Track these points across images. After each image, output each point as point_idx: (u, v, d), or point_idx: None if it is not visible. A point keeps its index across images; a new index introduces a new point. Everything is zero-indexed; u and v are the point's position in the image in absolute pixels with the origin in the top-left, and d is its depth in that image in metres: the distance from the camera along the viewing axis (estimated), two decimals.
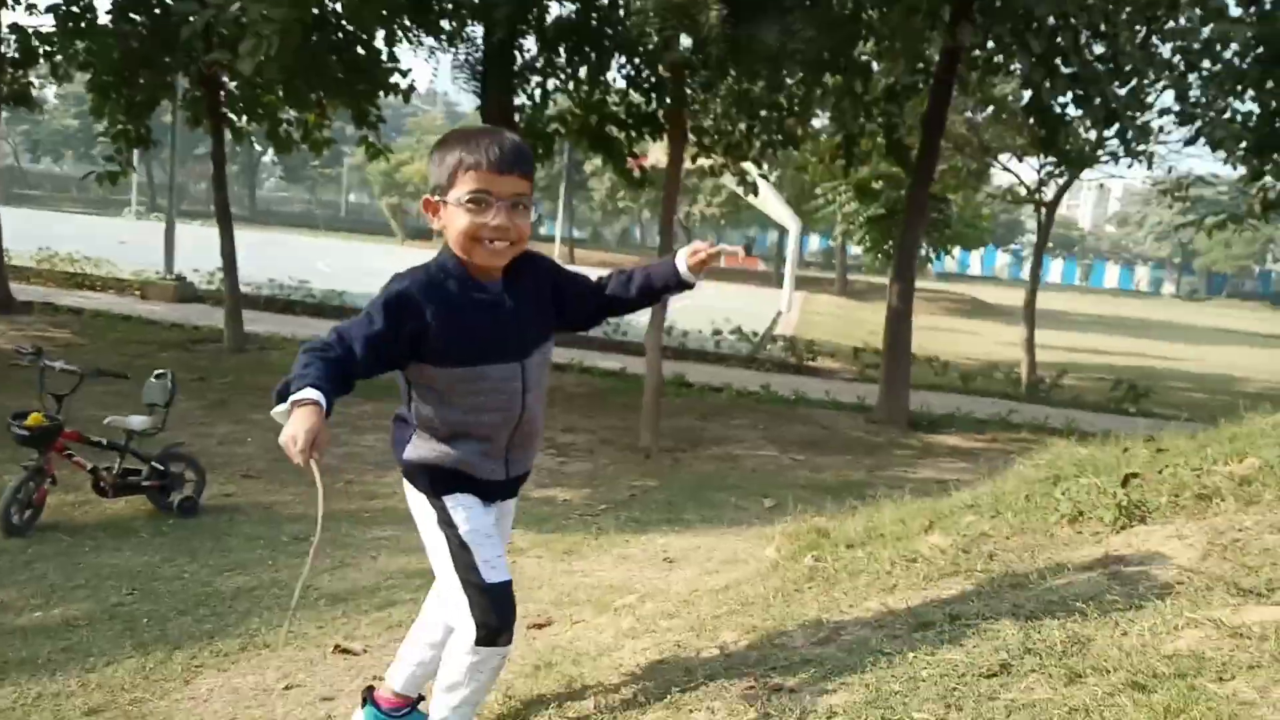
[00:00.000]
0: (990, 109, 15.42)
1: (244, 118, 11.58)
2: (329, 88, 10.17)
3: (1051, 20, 7.27)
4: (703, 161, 10.22)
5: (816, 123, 12.17)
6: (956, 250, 27.19)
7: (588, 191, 50.14)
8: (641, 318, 21.24)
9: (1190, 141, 9.69)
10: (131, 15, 9.78)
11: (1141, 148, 12.16)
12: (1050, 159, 15.19)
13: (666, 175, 8.33)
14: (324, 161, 14.50)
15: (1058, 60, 8.16)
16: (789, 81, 7.78)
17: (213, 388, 8.95)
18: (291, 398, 1.70)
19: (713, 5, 5.13)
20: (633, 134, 11.81)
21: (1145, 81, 10.04)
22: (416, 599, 4.20)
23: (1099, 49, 8.44)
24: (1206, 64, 9.72)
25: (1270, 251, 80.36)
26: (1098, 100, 8.31)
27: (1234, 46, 9.15)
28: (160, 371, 5.34)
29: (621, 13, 10.17)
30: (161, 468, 5.30)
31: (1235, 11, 9.47)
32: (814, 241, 58.61)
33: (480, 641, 1.98)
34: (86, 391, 5.35)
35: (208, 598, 4.26)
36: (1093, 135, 13.91)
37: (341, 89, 10.17)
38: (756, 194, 12.32)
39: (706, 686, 2.00)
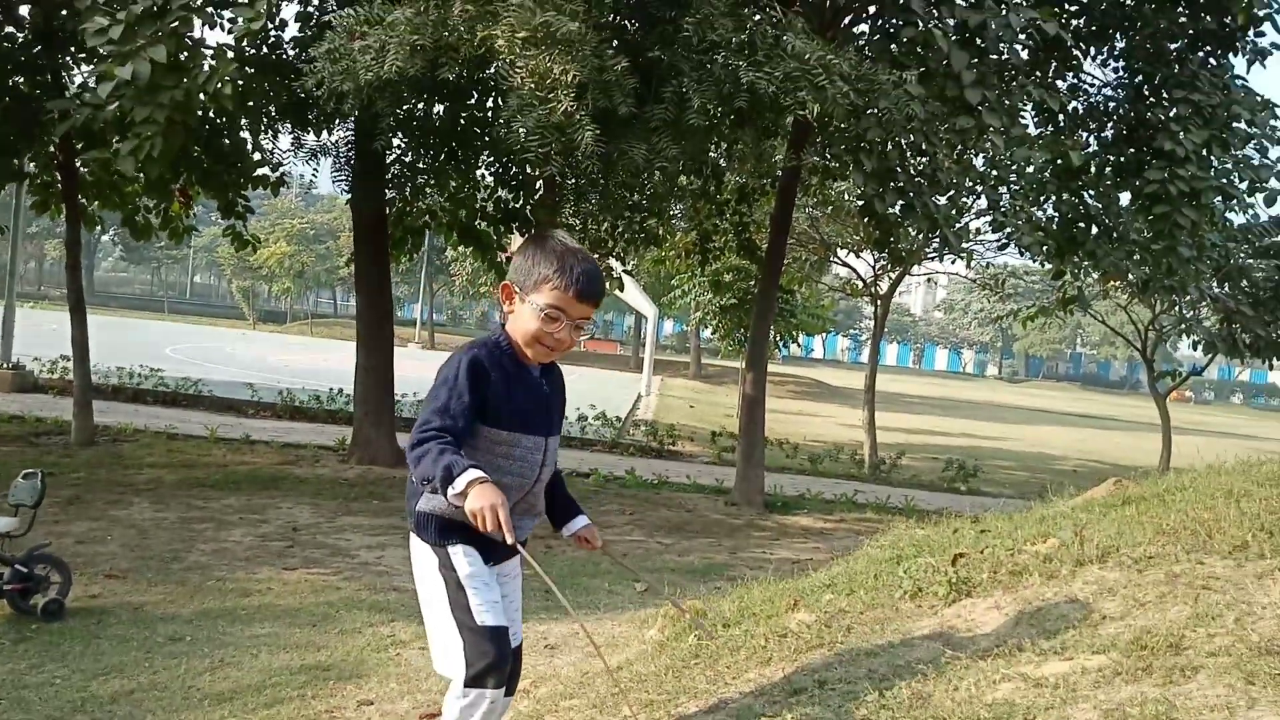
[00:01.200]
0: (829, 209, 16.68)
1: (96, 203, 11.31)
2: (197, 179, 10.14)
3: (880, 142, 8.17)
4: None
5: (674, 221, 12.92)
6: (801, 336, 28.70)
7: (449, 276, 50.21)
8: None
9: (1003, 247, 10.90)
10: None
11: (962, 247, 13.53)
12: (883, 256, 16.54)
13: None
14: (169, 242, 13.99)
15: (887, 174, 9.15)
16: (653, 191, 8.38)
17: (65, 483, 8.55)
18: (464, 479, 1.96)
19: (587, 127, 5.61)
20: (501, 228, 12.19)
21: (962, 193, 11.27)
22: (303, 695, 4.29)
23: (921, 164, 9.48)
24: (1014, 178, 11.03)
25: (1079, 336, 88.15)
26: (921, 210, 9.32)
27: (1031, 164, 10.44)
28: (30, 471, 5.22)
29: (490, 115, 10.64)
30: (25, 570, 5.14)
31: (1033, 130, 10.83)
32: (668, 326, 60.28)
33: (469, 683, 2.10)
34: None
35: (85, 703, 4.18)
36: (913, 234, 15.31)
37: (209, 180, 10.16)
38: (623, 289, 12.91)
39: None
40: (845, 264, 19.35)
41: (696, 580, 6.97)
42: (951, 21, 7.86)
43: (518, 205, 11.84)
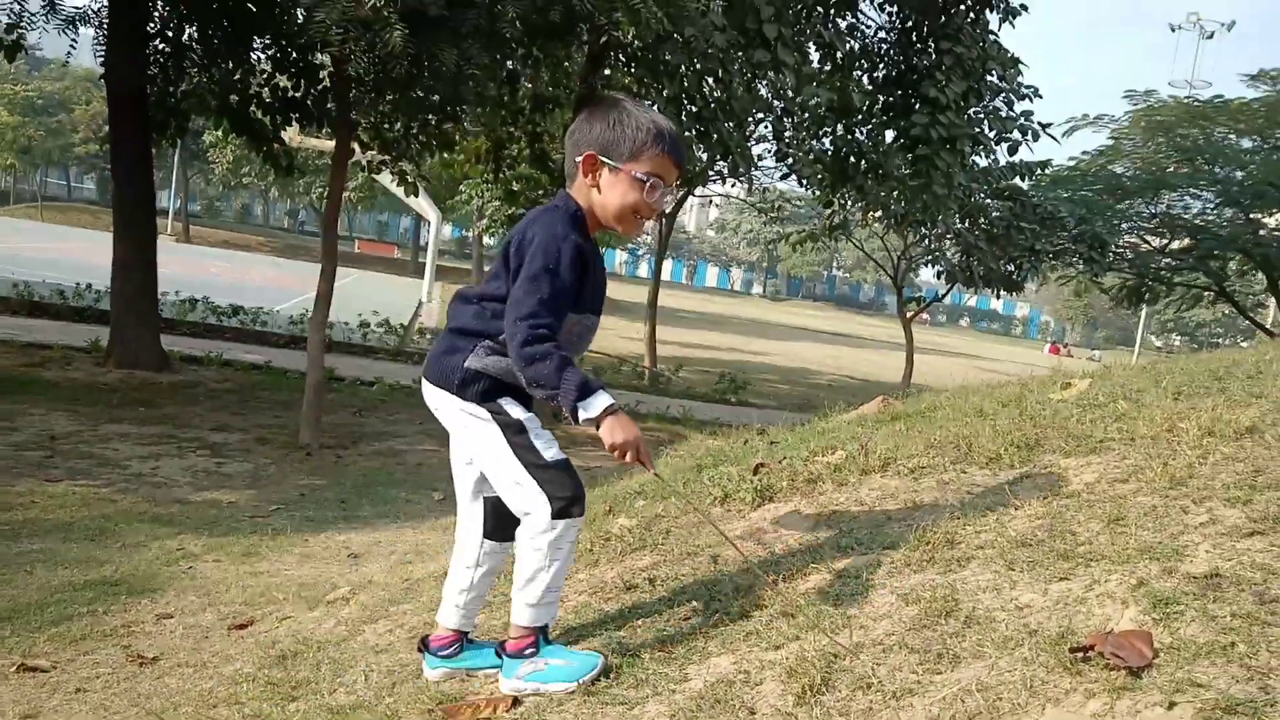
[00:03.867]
0: None
1: None
2: None
3: (680, 67, 8.40)
4: (360, 157, 10.25)
5: (468, 125, 12.62)
6: None
7: (206, 163, 46.04)
8: (288, 308, 20.05)
9: (785, 176, 11.55)
10: None
11: (742, 172, 14.21)
12: None
13: (332, 173, 8.33)
14: None
15: (682, 98, 9.42)
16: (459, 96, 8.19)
17: None
18: (600, 404, 1.91)
19: (396, 25, 5.39)
20: (278, 118, 11.45)
21: (750, 121, 11.78)
22: (94, 610, 4.12)
23: (716, 93, 9.83)
24: (799, 112, 11.66)
25: (835, 260, 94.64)
26: (715, 136, 9.71)
27: (817, 100, 11.09)
28: None
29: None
30: None
31: (816, 65, 11.47)
32: (446, 230, 58.75)
33: (556, 514, 2.07)
34: None
35: None
36: (704, 157, 15.87)
37: None
38: (416, 194, 12.52)
39: None
40: None
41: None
42: None
43: (298, 94, 11.14)
